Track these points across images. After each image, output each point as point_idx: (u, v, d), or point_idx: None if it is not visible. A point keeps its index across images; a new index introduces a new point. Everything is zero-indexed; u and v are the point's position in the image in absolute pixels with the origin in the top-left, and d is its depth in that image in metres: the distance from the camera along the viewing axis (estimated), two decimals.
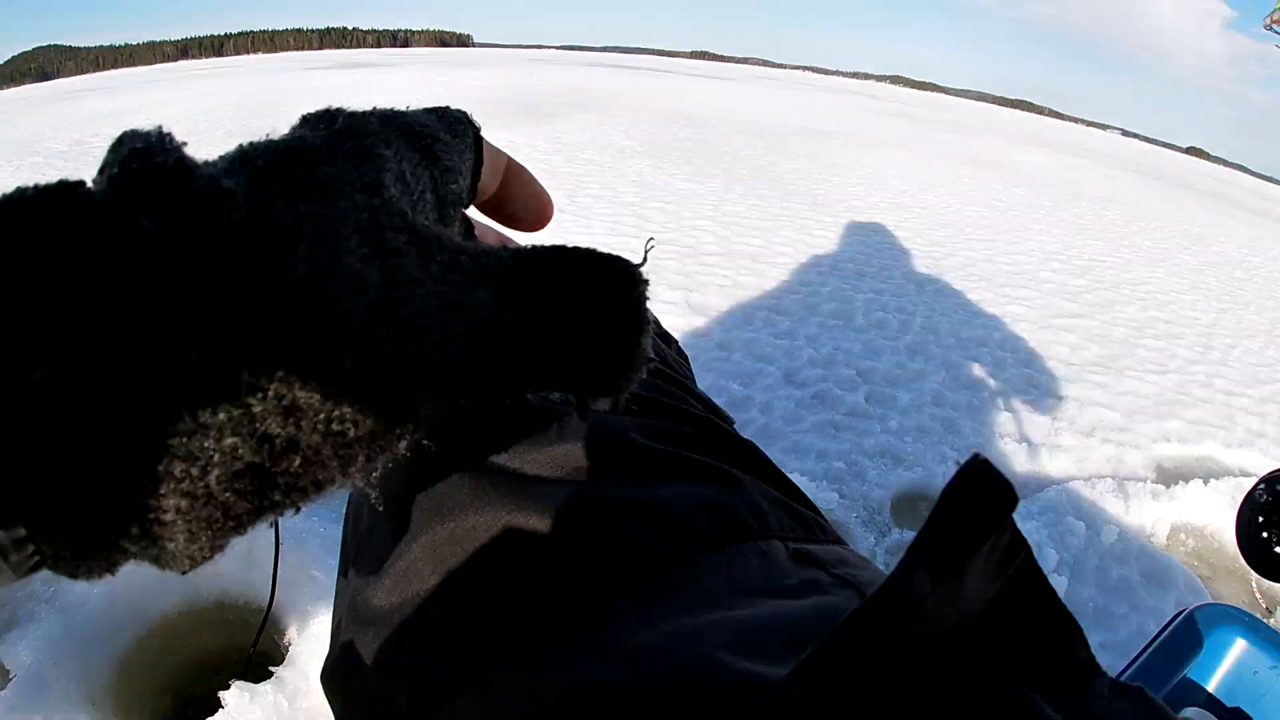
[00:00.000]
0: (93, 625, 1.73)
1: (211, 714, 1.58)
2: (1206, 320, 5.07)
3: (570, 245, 0.39)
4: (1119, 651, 2.01)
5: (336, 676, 0.68)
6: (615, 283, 0.40)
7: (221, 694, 1.49)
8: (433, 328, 0.33)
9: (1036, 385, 3.50)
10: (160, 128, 0.29)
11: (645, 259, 0.41)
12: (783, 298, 4.16)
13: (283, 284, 0.28)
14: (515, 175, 0.55)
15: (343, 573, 0.78)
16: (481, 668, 0.56)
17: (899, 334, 3.84)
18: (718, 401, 2.52)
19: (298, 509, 0.32)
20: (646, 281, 0.40)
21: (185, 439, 0.27)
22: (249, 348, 0.27)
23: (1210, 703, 1.38)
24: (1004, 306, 4.53)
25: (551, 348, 0.38)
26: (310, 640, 1.63)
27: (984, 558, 0.33)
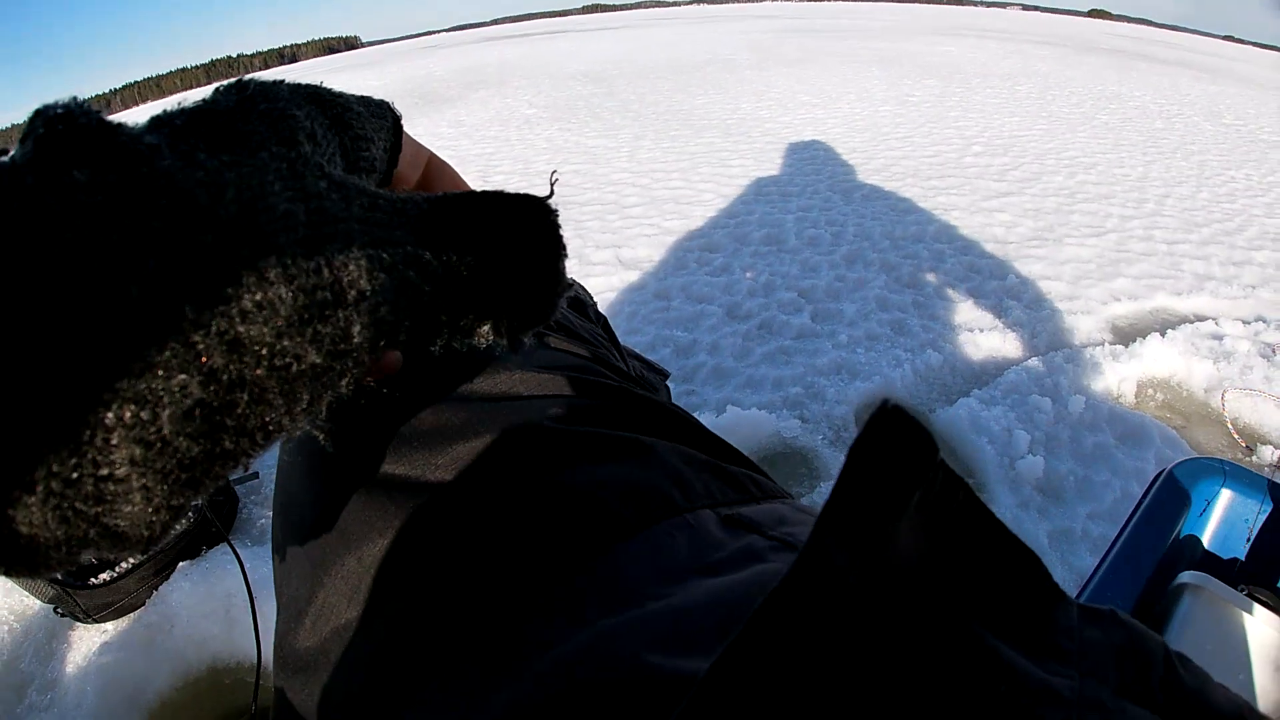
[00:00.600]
0: None
1: None
2: (1135, 175, 5.07)
3: (482, 190, 0.44)
4: (1108, 520, 1.98)
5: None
6: (528, 213, 0.44)
7: None
8: (359, 259, 0.34)
9: (978, 270, 3.47)
10: (75, 97, 0.31)
11: (551, 192, 0.47)
12: (712, 234, 4.09)
13: (215, 221, 0.29)
14: (437, 170, 0.61)
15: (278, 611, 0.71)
16: (403, 707, 0.51)
17: (833, 247, 3.79)
18: (661, 353, 2.45)
19: (246, 464, 0.33)
20: (556, 210, 0.45)
21: (133, 380, 0.27)
22: (188, 283, 0.28)
23: (1206, 560, 1.34)
24: (933, 199, 4.50)
25: (474, 281, 0.41)
26: None
27: (914, 509, 0.30)
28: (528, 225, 0.43)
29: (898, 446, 0.29)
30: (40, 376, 0.25)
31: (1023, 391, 2.47)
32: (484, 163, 6.49)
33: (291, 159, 0.36)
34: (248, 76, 0.39)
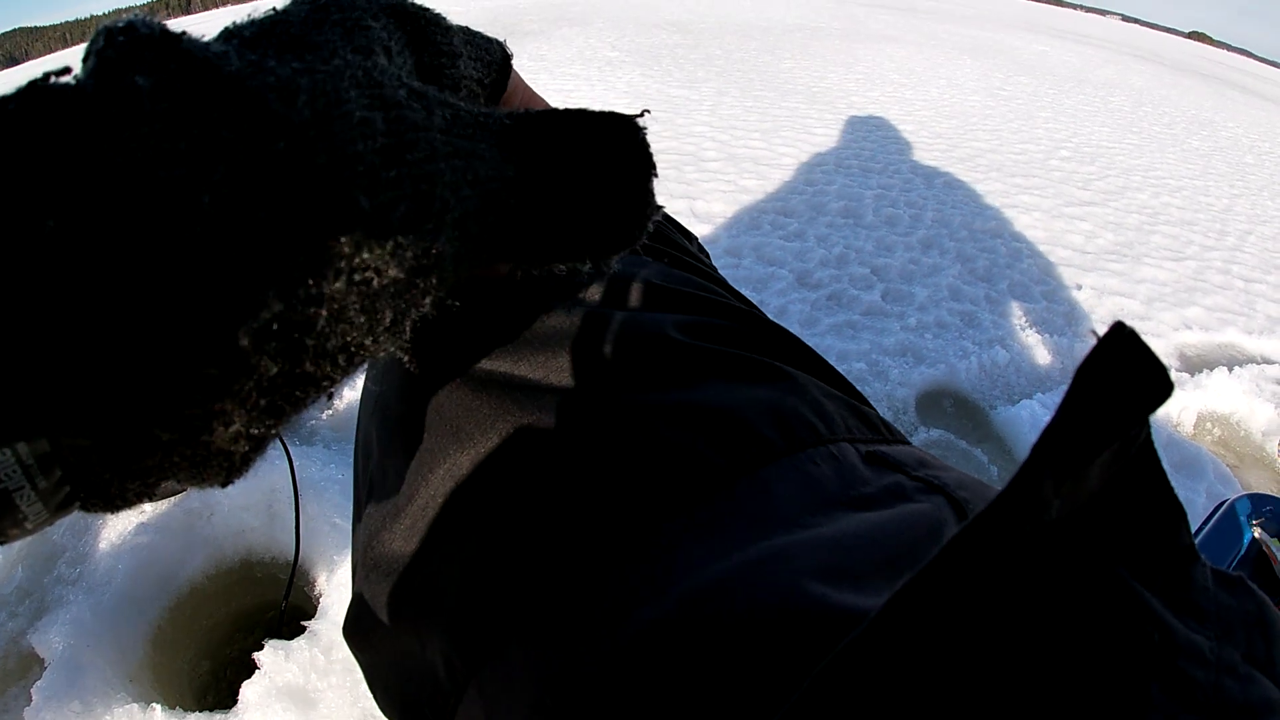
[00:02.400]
0: (121, 602, 1.71)
1: (249, 675, 1.56)
2: (1220, 206, 4.97)
3: (566, 108, 0.43)
4: None
5: (359, 632, 0.63)
6: (616, 130, 0.42)
7: (256, 655, 1.48)
8: (443, 172, 0.33)
9: (1053, 275, 3.42)
10: (138, 12, 0.30)
11: (641, 115, 0.44)
12: (789, 199, 4.05)
13: (287, 127, 0.28)
14: None
15: (356, 517, 0.72)
16: (523, 619, 0.50)
17: (910, 229, 3.74)
18: None
19: (330, 390, 0.33)
20: (646, 128, 0.43)
21: (209, 293, 0.26)
22: (260, 191, 0.26)
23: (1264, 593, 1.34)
24: (1015, 196, 4.42)
25: (561, 201, 0.41)
26: (339, 590, 1.63)
27: (1116, 448, 0.30)
28: (616, 143, 0.42)
29: (1128, 378, 0.28)
30: (117, 291, 0.24)
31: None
32: (561, 99, 6.25)
33: (368, 67, 0.34)
34: None
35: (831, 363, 2.01)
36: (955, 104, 6.93)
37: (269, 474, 1.88)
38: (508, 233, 0.39)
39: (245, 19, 0.35)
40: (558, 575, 0.49)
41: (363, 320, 0.31)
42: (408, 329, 0.35)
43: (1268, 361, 2.99)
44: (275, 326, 0.27)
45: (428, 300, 0.34)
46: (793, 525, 0.47)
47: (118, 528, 1.91)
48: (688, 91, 6.70)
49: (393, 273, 0.31)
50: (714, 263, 2.61)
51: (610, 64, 8.18)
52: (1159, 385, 0.28)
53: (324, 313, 0.29)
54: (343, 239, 0.28)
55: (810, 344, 2.12)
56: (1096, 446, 0.28)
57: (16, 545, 1.91)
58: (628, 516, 0.50)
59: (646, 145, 0.44)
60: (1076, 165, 5.34)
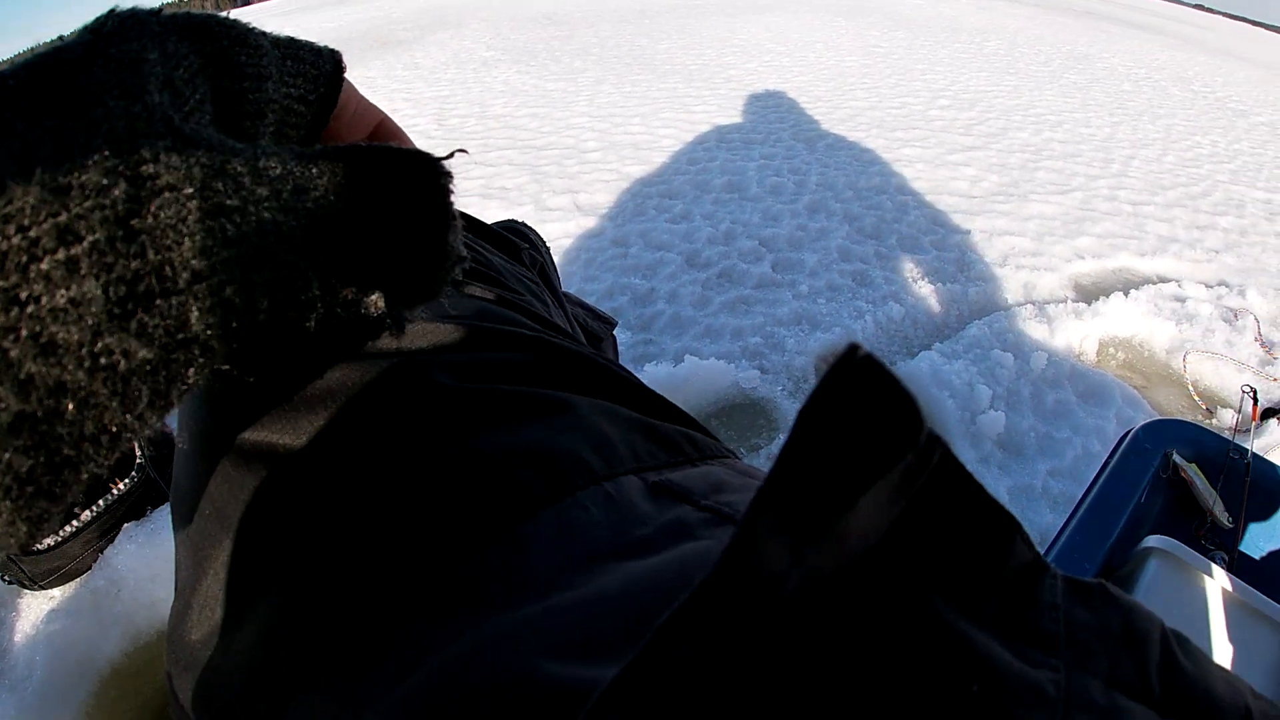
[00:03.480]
0: (46, 694, 1.64)
1: None
2: (1102, 135, 5.03)
3: (367, 144, 0.40)
4: (1068, 477, 1.94)
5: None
6: (414, 173, 0.40)
7: None
8: (198, 233, 0.32)
9: (942, 223, 3.41)
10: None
11: (450, 155, 0.43)
12: (672, 181, 4.00)
13: (19, 211, 0.27)
14: (389, 134, 0.56)
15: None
16: (285, 710, 0.46)
17: (796, 196, 3.72)
18: (618, 301, 2.37)
19: (104, 463, 0.31)
20: (450, 174, 0.41)
21: None
22: None
23: (1171, 522, 1.31)
24: (898, 150, 4.43)
25: (352, 244, 0.38)
26: None
27: (881, 484, 0.25)
28: (412, 187, 0.40)
29: (865, 408, 0.24)
30: None
31: (985, 346, 2.43)
32: (439, 105, 6.38)
33: (132, 114, 0.32)
34: (118, 6, 0.35)
35: (727, 340, 2.00)
36: (832, 66, 6.95)
37: (169, 540, 1.76)
38: (288, 285, 0.36)
39: (21, 60, 0.33)
40: (317, 662, 0.47)
41: (116, 404, 0.29)
42: (174, 401, 0.33)
43: (1163, 280, 3.02)
44: (25, 428, 0.27)
45: (191, 372, 0.33)
46: (549, 587, 0.45)
47: (30, 618, 1.84)
48: (565, 84, 6.65)
49: (140, 354, 0.30)
50: (604, 255, 2.58)
51: (486, 64, 8.11)
52: (905, 412, 0.25)
53: (69, 403, 0.28)
54: (77, 327, 0.27)
55: (705, 324, 2.09)
56: (833, 495, 0.24)
57: None
58: (374, 586, 0.48)
59: (445, 194, 0.42)
60: (956, 112, 5.38)
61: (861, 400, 0.24)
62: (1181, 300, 2.81)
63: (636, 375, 0.67)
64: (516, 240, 0.98)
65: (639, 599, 0.41)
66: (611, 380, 0.65)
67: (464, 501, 0.50)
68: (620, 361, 2.32)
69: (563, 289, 1.86)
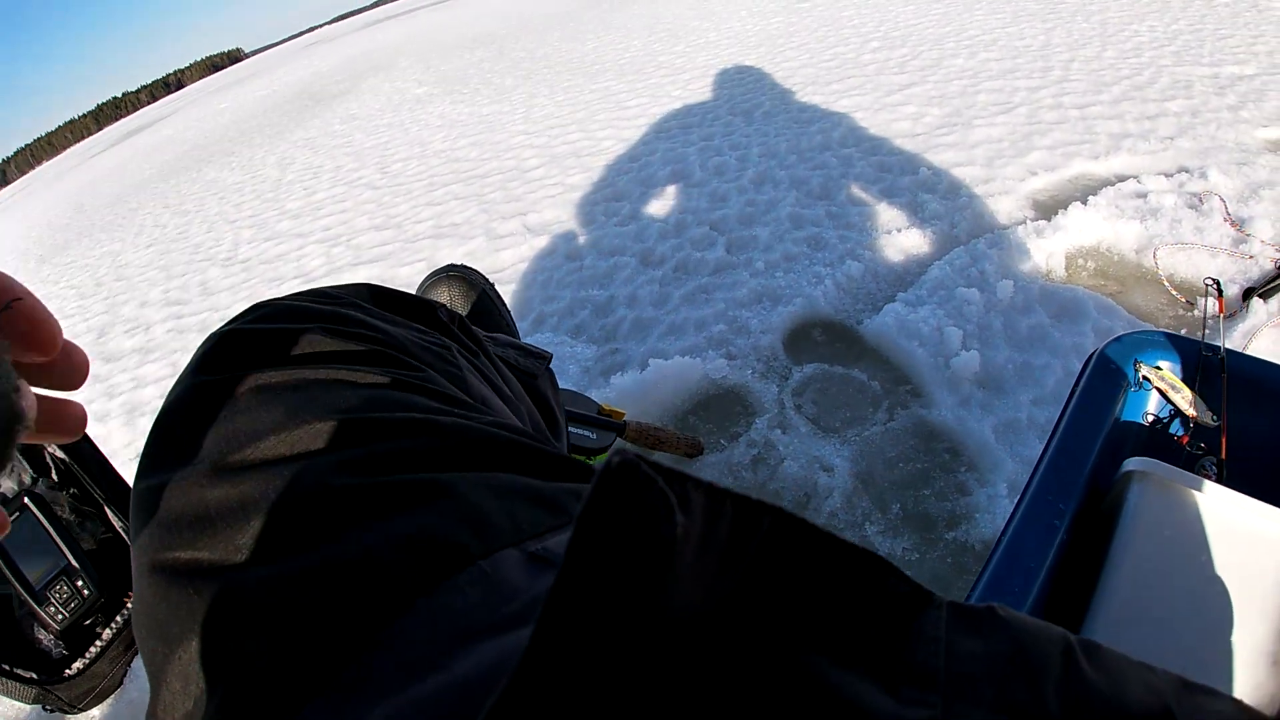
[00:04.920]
0: None
1: None
2: (1037, 44, 4.96)
3: None
4: (1052, 403, 1.91)
5: None
6: None
7: None
8: None
9: (889, 169, 3.37)
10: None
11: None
12: (617, 182, 4.00)
13: None
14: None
15: None
16: None
17: (740, 172, 3.69)
18: (580, 317, 2.41)
19: None
20: None
21: None
22: None
23: (1151, 439, 1.27)
24: (836, 103, 4.39)
25: None
26: None
27: (695, 556, 0.27)
28: None
29: (632, 508, 0.26)
30: None
31: (949, 286, 2.38)
32: (380, 153, 6.43)
33: None
34: None
35: (691, 334, 2.00)
36: (759, 31, 6.93)
37: None
38: None
39: None
40: None
41: None
42: None
43: (1121, 179, 2.94)
44: None
45: None
46: (426, 671, 0.46)
47: None
48: (499, 105, 6.68)
49: None
50: (560, 272, 2.56)
51: (420, 101, 8.22)
52: (658, 505, 0.26)
53: None
54: None
55: (668, 322, 2.06)
56: (638, 585, 0.25)
57: None
58: (274, 694, 0.49)
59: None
60: (889, 52, 5.34)
61: (629, 503, 0.26)
62: (1143, 196, 2.74)
63: (607, 389, 0.66)
64: (431, 301, 0.96)
65: (492, 682, 0.42)
66: (499, 450, 0.66)
67: (344, 601, 0.51)
68: (591, 377, 2.30)
69: (512, 320, 1.83)
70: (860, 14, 6.85)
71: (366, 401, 0.69)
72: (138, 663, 1.89)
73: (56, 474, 2.04)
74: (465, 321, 1.03)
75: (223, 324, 0.80)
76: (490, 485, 0.61)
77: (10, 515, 1.86)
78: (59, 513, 1.93)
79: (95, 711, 1.91)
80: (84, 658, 1.84)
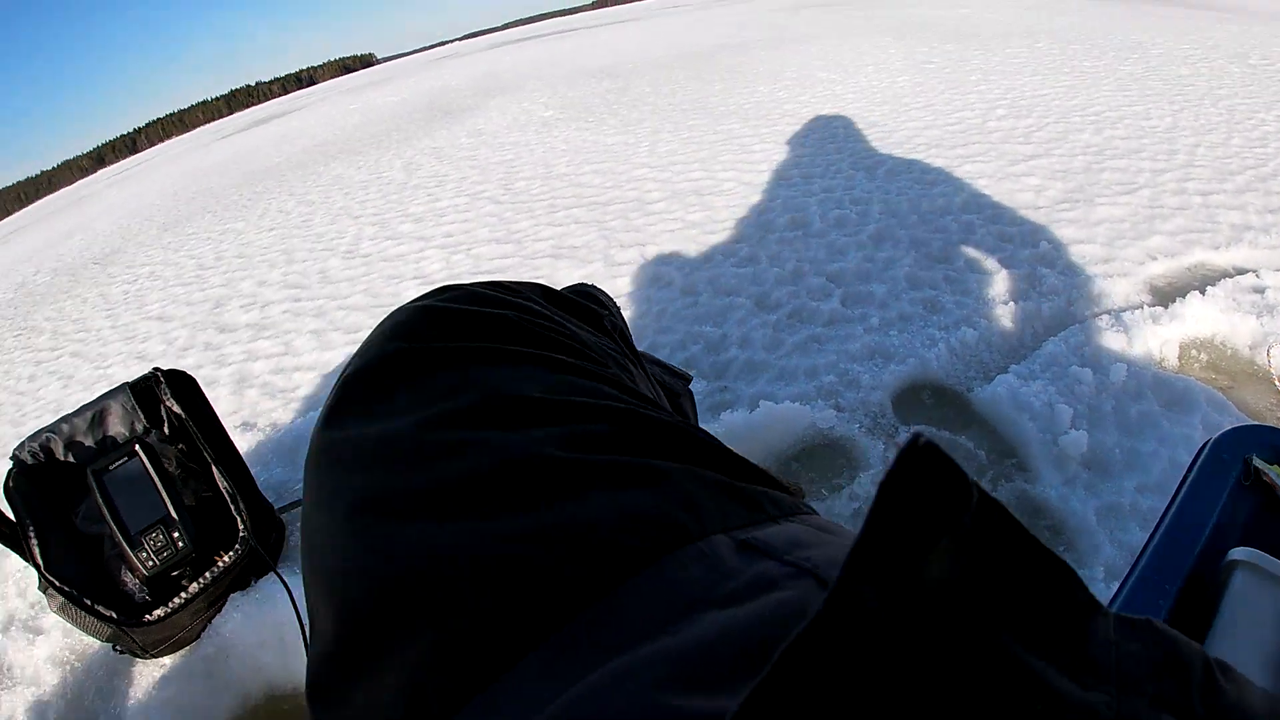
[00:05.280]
0: None
1: None
2: (1163, 126, 4.92)
3: None
4: (1157, 492, 1.93)
5: None
6: None
7: None
8: None
9: (1009, 239, 3.39)
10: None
11: None
12: (736, 224, 4.07)
13: None
14: None
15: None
16: None
17: (860, 227, 3.73)
18: (691, 351, 2.47)
19: None
20: None
21: None
22: None
23: (1257, 532, 1.30)
24: (959, 168, 4.42)
25: None
26: None
27: (947, 542, 0.31)
28: None
29: (929, 483, 0.29)
30: None
31: (1062, 363, 2.41)
32: (505, 170, 6.55)
33: None
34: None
35: (801, 382, 2.08)
36: (885, 88, 6.95)
37: (274, 608, 1.92)
38: None
39: None
40: (454, 697, 0.51)
41: None
42: None
43: (1240, 271, 2.93)
44: None
45: None
46: (657, 633, 0.49)
47: (143, 684, 1.94)
48: (624, 136, 6.78)
49: None
50: (674, 305, 2.66)
51: (546, 124, 8.31)
52: (958, 484, 0.30)
53: None
54: None
55: (778, 367, 2.16)
56: (910, 550, 0.29)
57: (51, 713, 1.96)
58: (493, 647, 0.52)
59: None
60: (1014, 121, 5.33)
61: (924, 477, 0.29)
62: (1261, 291, 2.72)
63: (716, 424, 0.72)
64: (596, 308, 1.02)
65: (736, 642, 0.45)
66: (696, 445, 0.69)
67: (567, 561, 0.55)
68: (699, 411, 2.37)
69: (636, 346, 1.92)
70: (987, 80, 6.84)
71: (565, 385, 0.73)
72: (217, 622, 1.97)
73: (169, 428, 2.14)
74: (626, 333, 1.11)
75: (414, 300, 0.87)
76: (695, 477, 0.63)
77: (119, 459, 1.96)
78: (166, 465, 2.01)
79: (167, 660, 1.99)
80: (166, 606, 1.89)
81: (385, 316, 0.86)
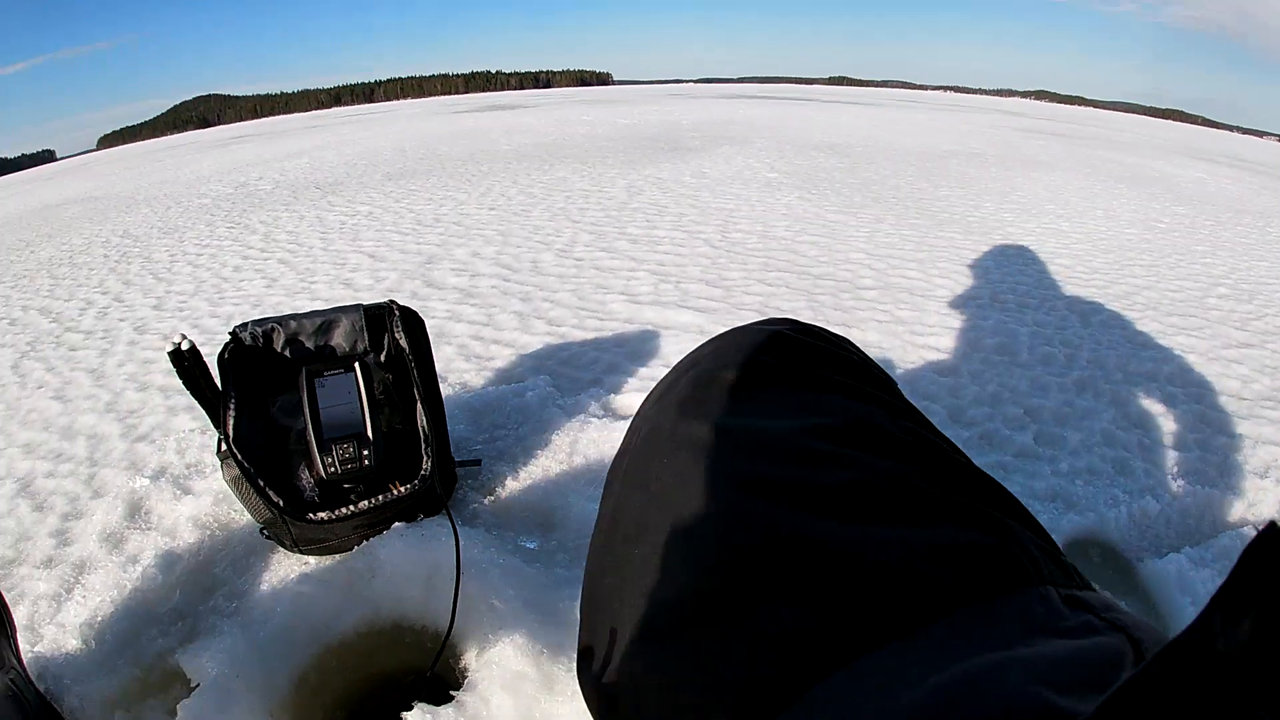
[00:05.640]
0: (274, 642, 1.81)
1: None
2: None
3: None
4: None
5: (622, 687, 0.73)
6: None
7: (405, 715, 1.55)
8: None
9: (1208, 422, 3.41)
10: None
11: None
12: (943, 333, 4.16)
13: None
14: None
15: (601, 575, 0.85)
16: (804, 687, 0.60)
17: (1066, 369, 3.80)
18: None
19: None
20: None
21: None
22: None
23: None
24: (1171, 338, 4.41)
25: None
26: (489, 667, 1.66)
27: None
28: None
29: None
30: None
31: (1234, 558, 2.39)
32: (724, 218, 6.72)
33: None
34: None
35: None
36: (1112, 237, 6.91)
37: (432, 549, 1.97)
38: None
39: None
40: (838, 650, 0.61)
41: None
42: None
43: None
44: None
45: None
46: (1016, 644, 0.57)
47: (280, 573, 2.06)
48: (845, 217, 6.88)
49: None
50: None
51: (769, 185, 8.42)
52: None
53: None
54: None
55: None
56: (1258, 604, 0.32)
57: (178, 570, 2.08)
58: (889, 618, 0.61)
59: None
60: (1234, 304, 5.27)
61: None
62: None
63: None
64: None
65: (1081, 662, 0.53)
66: (1015, 504, 0.78)
67: (956, 573, 0.64)
68: None
69: None
70: (1214, 253, 6.74)
71: (909, 428, 0.82)
72: (374, 541, 2.01)
73: (386, 356, 2.28)
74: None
75: (759, 323, 0.99)
76: (1029, 537, 0.71)
77: (335, 369, 2.08)
78: (374, 389, 2.11)
79: (311, 560, 2.08)
80: (331, 512, 1.95)
81: (727, 332, 1.00)
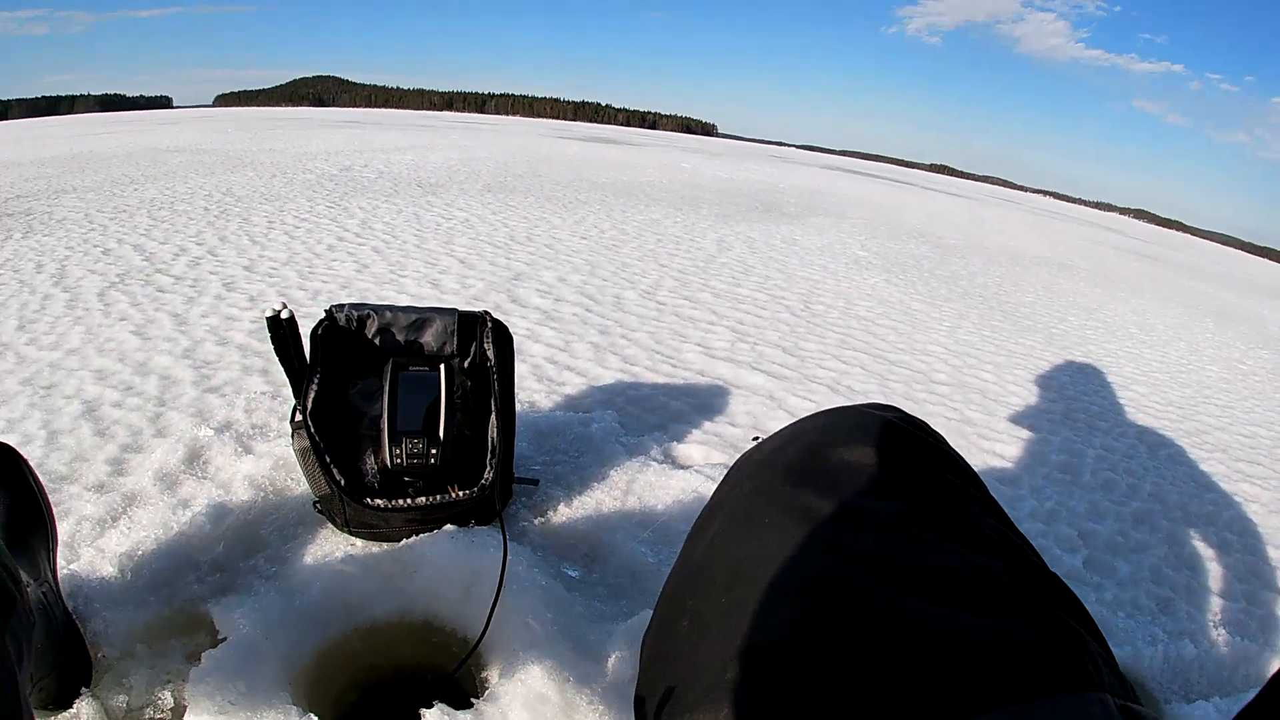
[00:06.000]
0: (308, 612, 1.85)
1: None
2: None
3: None
4: None
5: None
6: None
7: (424, 712, 1.54)
8: None
9: (1259, 575, 3.38)
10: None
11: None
12: (1010, 441, 4.17)
13: None
14: None
15: (679, 617, 0.88)
16: None
17: (1126, 499, 3.79)
18: None
19: None
20: None
21: None
22: None
23: None
24: (1235, 483, 4.37)
25: None
26: (513, 683, 1.65)
27: None
28: None
29: None
30: None
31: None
32: (808, 287, 6.83)
33: None
34: None
35: None
36: (1192, 371, 6.86)
37: (478, 558, 1.99)
38: None
39: None
40: None
41: None
42: None
43: None
44: None
45: None
46: None
47: (326, 548, 2.12)
48: (928, 307, 6.95)
49: None
50: None
51: (858, 263, 8.54)
52: None
53: None
54: None
55: None
56: None
57: (226, 523, 2.14)
58: (955, 705, 0.64)
59: None
60: None
61: None
62: None
63: None
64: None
65: None
66: (1086, 614, 0.82)
67: (1029, 666, 0.66)
68: None
69: None
70: None
71: (995, 527, 0.87)
72: (424, 538, 2.04)
73: (470, 364, 2.33)
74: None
75: (869, 406, 1.07)
76: (1094, 646, 0.74)
77: (421, 366, 2.15)
78: (455, 392, 2.17)
79: (358, 542, 2.14)
80: (387, 501, 2.01)
81: (838, 409, 1.07)
